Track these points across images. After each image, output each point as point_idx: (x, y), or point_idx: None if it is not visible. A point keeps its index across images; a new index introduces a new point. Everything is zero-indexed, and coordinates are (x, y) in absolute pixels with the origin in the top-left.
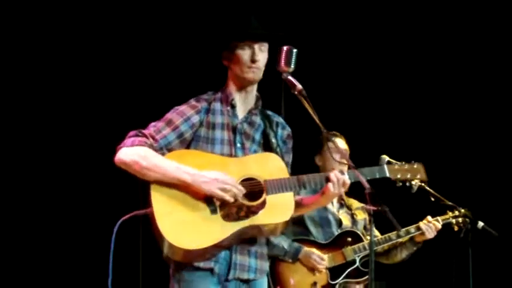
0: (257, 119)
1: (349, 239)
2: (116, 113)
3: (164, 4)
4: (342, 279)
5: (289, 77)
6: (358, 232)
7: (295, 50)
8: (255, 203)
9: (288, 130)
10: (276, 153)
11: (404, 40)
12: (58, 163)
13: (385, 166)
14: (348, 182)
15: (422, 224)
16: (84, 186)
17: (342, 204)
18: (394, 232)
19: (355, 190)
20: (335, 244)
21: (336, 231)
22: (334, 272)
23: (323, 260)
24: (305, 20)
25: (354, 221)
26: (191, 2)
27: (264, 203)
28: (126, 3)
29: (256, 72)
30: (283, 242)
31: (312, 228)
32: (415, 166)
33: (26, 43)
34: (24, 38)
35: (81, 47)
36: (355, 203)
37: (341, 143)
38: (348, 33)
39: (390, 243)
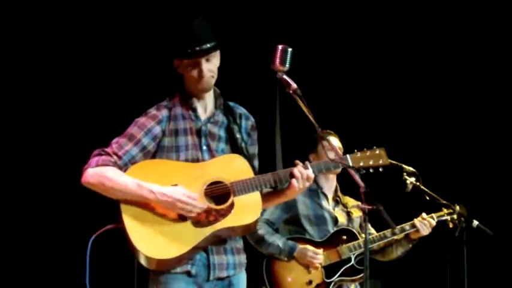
0: (220, 117)
1: (344, 237)
2: (81, 125)
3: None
4: (337, 277)
5: (284, 76)
6: (354, 230)
7: (290, 49)
8: (223, 206)
9: (251, 120)
10: (242, 148)
11: (396, 37)
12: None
13: (348, 156)
14: (312, 176)
15: (416, 221)
16: (53, 202)
17: (337, 202)
18: (389, 230)
19: (350, 189)
20: (330, 242)
21: (332, 229)
22: (329, 270)
23: (318, 254)
24: (299, 19)
25: (350, 219)
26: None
27: (232, 205)
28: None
29: (208, 81)
30: (278, 241)
31: (308, 227)
32: (376, 152)
33: (14, 45)
34: (14, 40)
35: None
36: (350, 201)
37: (335, 141)
38: (340, 32)
39: (385, 240)
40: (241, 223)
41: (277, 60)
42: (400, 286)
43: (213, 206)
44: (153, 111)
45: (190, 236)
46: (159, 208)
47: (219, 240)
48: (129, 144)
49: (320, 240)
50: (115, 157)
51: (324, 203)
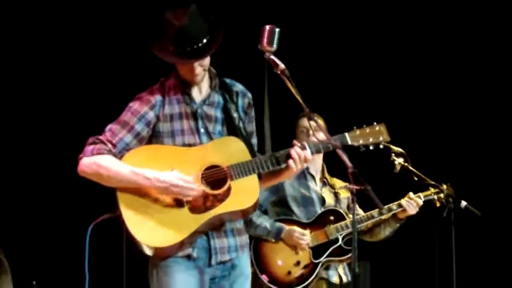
0: (216, 97)
1: (332, 218)
2: (76, 112)
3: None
4: (325, 257)
5: (272, 57)
6: (341, 211)
7: (277, 29)
8: (220, 191)
9: (248, 97)
10: (239, 128)
11: (388, 21)
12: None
13: (346, 134)
14: (310, 157)
15: (403, 201)
16: (55, 192)
17: (324, 183)
18: (376, 210)
19: (338, 170)
20: (317, 223)
21: (319, 210)
22: (317, 250)
23: (305, 235)
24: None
25: (337, 200)
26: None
27: (229, 190)
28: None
29: (200, 75)
30: (266, 222)
31: (295, 208)
32: (376, 128)
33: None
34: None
35: None
36: (338, 182)
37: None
38: (330, 14)
39: (373, 220)
40: (239, 207)
41: (265, 41)
42: (389, 267)
43: (209, 191)
44: (146, 95)
45: (188, 222)
46: (155, 194)
47: (218, 225)
48: (123, 131)
49: (307, 221)
50: (109, 145)
51: (311, 184)
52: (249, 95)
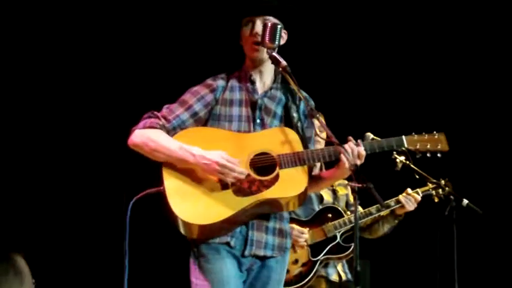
0: (278, 93)
1: (330, 215)
2: (134, 95)
3: None
4: (323, 255)
5: (274, 53)
6: (339, 208)
7: (279, 26)
8: (267, 178)
9: (311, 104)
10: (297, 127)
11: (386, 18)
12: (73, 144)
13: (404, 137)
14: (363, 153)
15: (401, 197)
16: (97, 166)
17: None
18: (375, 206)
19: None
20: (316, 221)
21: (317, 208)
22: (315, 248)
23: (304, 233)
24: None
25: (336, 197)
26: None
27: (277, 177)
28: None
29: (260, 50)
30: None
31: None
32: (435, 136)
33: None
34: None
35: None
36: None
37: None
38: (335, 11)
39: (371, 217)
40: (283, 195)
41: (267, 38)
42: (390, 266)
43: (256, 176)
44: (209, 80)
45: (231, 203)
46: (201, 174)
47: (261, 217)
48: (180, 109)
49: (305, 219)
50: (163, 120)
51: None
52: (312, 102)
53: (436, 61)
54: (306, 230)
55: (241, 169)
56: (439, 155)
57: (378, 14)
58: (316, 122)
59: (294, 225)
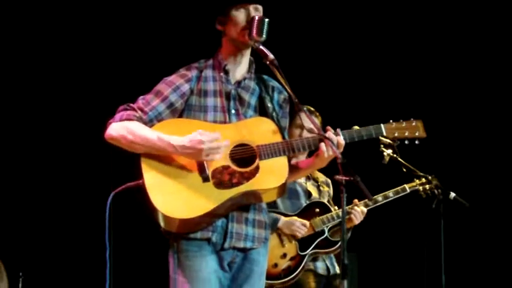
0: (251, 84)
1: (317, 210)
2: (107, 85)
3: None
4: (311, 249)
5: (261, 47)
6: (326, 202)
7: (267, 20)
8: (247, 169)
9: (284, 94)
10: (272, 117)
11: (377, 21)
12: (49, 138)
13: (382, 125)
14: (343, 142)
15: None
16: (76, 160)
17: (308, 177)
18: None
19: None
20: (303, 215)
21: (304, 202)
22: (303, 243)
23: (305, 226)
24: None
25: (321, 193)
26: None
27: (257, 169)
28: None
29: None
30: None
31: (278, 200)
32: (413, 124)
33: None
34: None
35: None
36: (321, 176)
37: (315, 119)
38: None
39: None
40: (265, 187)
41: (254, 31)
42: (377, 260)
43: (236, 168)
44: (182, 70)
45: (212, 196)
46: (181, 165)
47: (241, 209)
48: (156, 100)
49: (293, 214)
50: (140, 112)
51: None
52: (285, 92)
53: (421, 58)
54: (307, 222)
55: (224, 142)
56: (417, 142)
57: (362, 12)
58: (303, 115)
59: (296, 218)
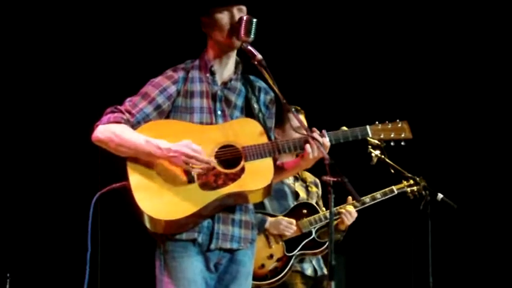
0: (238, 85)
1: (305, 211)
2: (94, 87)
3: None
4: (298, 251)
5: (249, 47)
6: (314, 204)
7: (255, 20)
8: (233, 170)
9: (270, 95)
10: (258, 118)
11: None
12: (36, 140)
13: (368, 126)
14: (328, 144)
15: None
16: (61, 161)
17: (296, 178)
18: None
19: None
20: (291, 216)
21: (292, 203)
22: (290, 244)
23: (292, 224)
24: None
25: (309, 193)
26: None
27: (242, 170)
28: None
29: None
30: None
31: (266, 201)
32: (399, 125)
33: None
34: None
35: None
36: (309, 177)
37: (301, 118)
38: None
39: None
40: (250, 188)
41: (242, 31)
42: (365, 261)
43: (221, 169)
44: (169, 72)
45: (197, 198)
46: (167, 167)
47: (227, 210)
48: (143, 102)
49: (280, 215)
50: (127, 115)
51: None
52: (272, 93)
53: (408, 58)
54: (293, 221)
55: (207, 158)
56: (403, 143)
57: (349, 12)
58: (290, 115)
59: (283, 217)
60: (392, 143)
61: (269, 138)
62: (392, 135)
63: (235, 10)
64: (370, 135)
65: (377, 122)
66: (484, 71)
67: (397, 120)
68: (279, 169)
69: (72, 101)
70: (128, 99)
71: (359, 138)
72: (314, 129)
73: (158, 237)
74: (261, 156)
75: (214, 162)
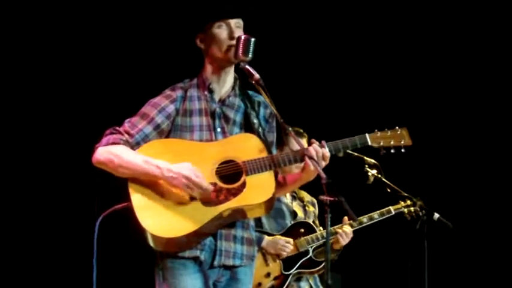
0: (236, 101)
1: (302, 230)
2: (93, 108)
3: None
4: (295, 269)
5: (247, 66)
6: (311, 223)
7: (253, 39)
8: (234, 185)
9: (270, 109)
10: (258, 133)
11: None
12: (38, 160)
13: (367, 134)
14: (328, 154)
15: (339, 230)
16: (63, 183)
17: (294, 197)
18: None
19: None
20: (288, 235)
21: (289, 222)
22: (287, 262)
23: (289, 243)
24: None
25: (306, 213)
26: None
27: (244, 185)
28: None
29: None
30: None
31: (264, 220)
32: (398, 132)
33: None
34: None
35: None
36: (306, 196)
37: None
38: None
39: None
40: (252, 202)
41: (240, 50)
42: (361, 280)
43: (222, 184)
44: (167, 91)
45: (199, 214)
46: (167, 186)
47: (229, 226)
48: (142, 122)
49: (277, 234)
50: (126, 136)
51: (282, 196)
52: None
53: (406, 68)
54: (291, 240)
55: (206, 185)
56: (403, 150)
57: (343, 22)
58: (289, 137)
59: (280, 236)
60: (392, 151)
61: (270, 152)
62: (392, 143)
63: (233, 25)
64: (370, 143)
65: (376, 130)
66: (480, 87)
67: (396, 128)
68: (280, 183)
69: (71, 122)
70: (127, 120)
71: (358, 146)
72: (313, 140)
73: (158, 254)
74: (262, 170)
75: (214, 185)
